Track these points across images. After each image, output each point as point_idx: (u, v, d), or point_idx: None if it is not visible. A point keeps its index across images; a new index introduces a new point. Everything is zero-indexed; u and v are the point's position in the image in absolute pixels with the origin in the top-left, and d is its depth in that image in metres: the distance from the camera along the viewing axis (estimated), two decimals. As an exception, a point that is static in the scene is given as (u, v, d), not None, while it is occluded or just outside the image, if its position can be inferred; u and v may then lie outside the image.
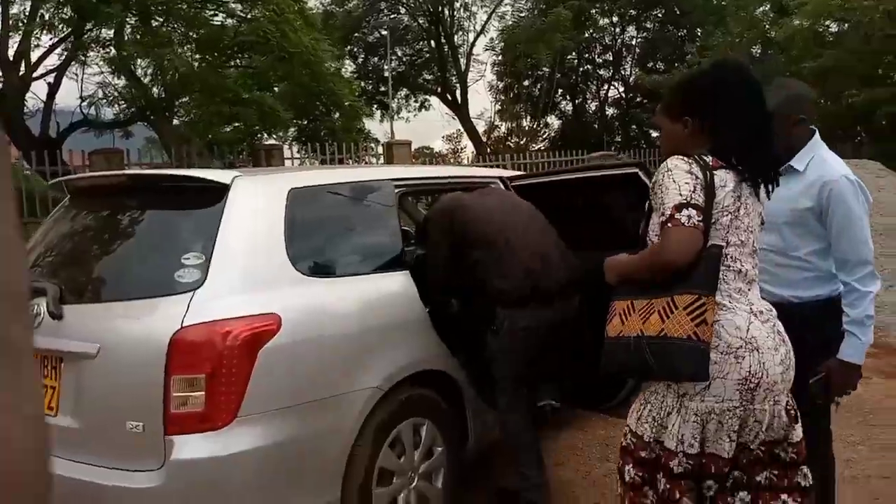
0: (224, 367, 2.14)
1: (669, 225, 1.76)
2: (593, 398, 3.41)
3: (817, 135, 2.43)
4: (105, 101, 14.42)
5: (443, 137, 32.60)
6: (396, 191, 2.99)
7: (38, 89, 20.01)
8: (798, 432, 1.91)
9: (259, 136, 15.67)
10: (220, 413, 2.14)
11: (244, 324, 2.20)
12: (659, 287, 1.81)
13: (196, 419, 2.14)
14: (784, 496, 1.87)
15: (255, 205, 2.43)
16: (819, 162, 2.36)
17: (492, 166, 12.15)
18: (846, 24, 15.60)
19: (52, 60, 12.90)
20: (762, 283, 2.19)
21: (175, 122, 14.21)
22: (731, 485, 1.84)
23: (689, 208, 1.75)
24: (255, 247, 2.38)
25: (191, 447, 2.14)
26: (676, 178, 1.81)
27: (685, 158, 1.85)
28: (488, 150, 20.57)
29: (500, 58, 22.91)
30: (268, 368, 2.22)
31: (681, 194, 1.78)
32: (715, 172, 1.85)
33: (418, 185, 3.29)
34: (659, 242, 1.82)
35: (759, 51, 19.29)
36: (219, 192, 2.39)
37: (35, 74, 12.58)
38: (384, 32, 22.62)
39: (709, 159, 1.88)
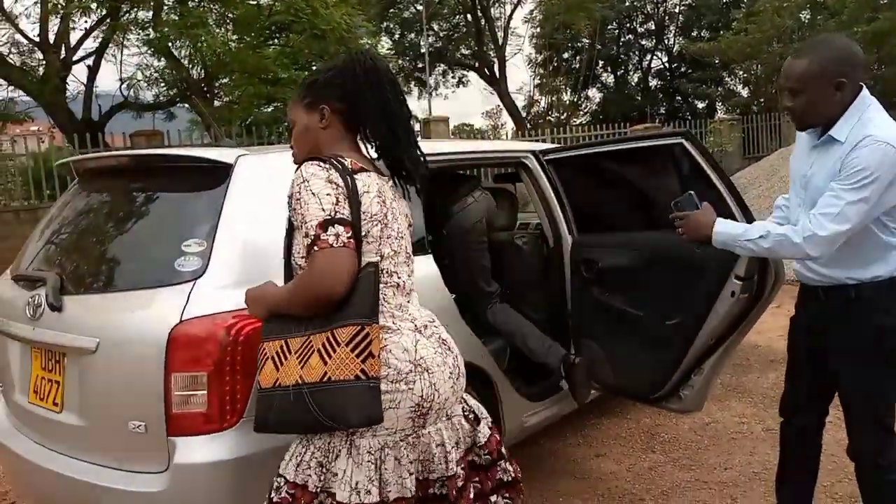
0: (228, 364, 1.96)
1: (316, 249, 1.55)
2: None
3: (864, 93, 2.06)
4: (145, 82, 14.56)
5: (482, 114, 32.19)
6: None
7: (79, 73, 20.31)
8: (484, 432, 1.86)
9: (299, 116, 15.60)
10: (225, 413, 1.98)
11: (249, 317, 2.02)
12: (315, 321, 1.59)
13: (199, 420, 1.98)
14: (493, 498, 1.84)
15: (261, 186, 2.22)
16: (863, 124, 2.01)
17: (533, 142, 11.81)
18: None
19: (91, 44, 13.03)
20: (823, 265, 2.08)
21: (216, 103, 14.24)
22: None
23: (336, 225, 1.55)
24: (259, 232, 2.17)
25: (195, 449, 1.98)
26: (316, 190, 1.58)
27: (321, 163, 1.62)
28: (528, 125, 20.15)
29: (538, 30, 22.35)
30: (276, 364, 2.04)
31: (323, 209, 1.56)
32: (356, 177, 1.64)
33: (444, 161, 3.05)
34: (307, 271, 1.59)
35: (808, 15, 18.34)
36: (222, 173, 2.19)
37: (75, 58, 12.71)
38: (420, 7, 22.25)
39: (347, 161, 1.66)
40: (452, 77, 25.53)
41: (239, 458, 1.99)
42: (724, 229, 2.18)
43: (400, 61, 21.40)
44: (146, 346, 2.00)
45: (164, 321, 1.98)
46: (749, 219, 2.45)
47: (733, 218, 2.42)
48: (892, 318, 2.10)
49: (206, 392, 1.96)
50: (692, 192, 2.33)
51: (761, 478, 3.12)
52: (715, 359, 2.85)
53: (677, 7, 24.52)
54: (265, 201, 2.21)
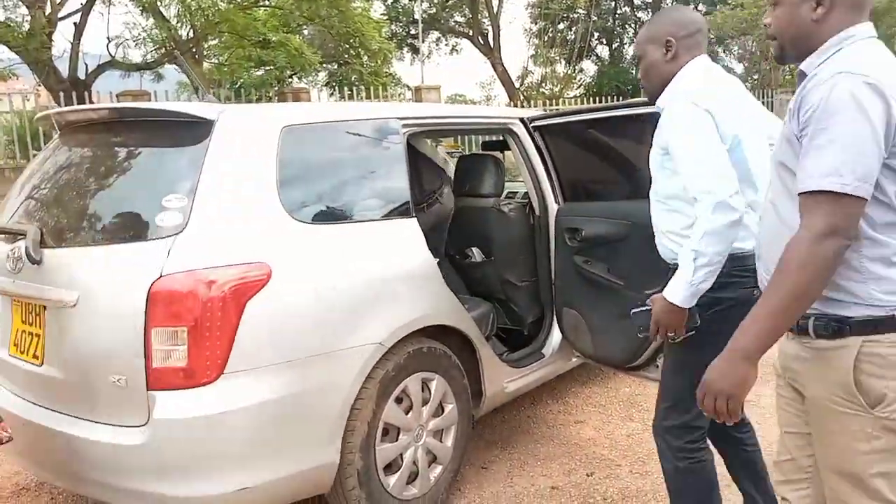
0: (208, 320, 1.97)
1: None
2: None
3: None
4: (132, 42, 14.31)
5: (476, 84, 31.90)
6: (404, 130, 2.73)
7: (66, 30, 19.93)
8: None
9: (289, 80, 15.46)
10: (205, 368, 1.99)
11: (230, 273, 2.02)
12: None
13: (179, 374, 1.99)
14: None
15: (243, 142, 2.20)
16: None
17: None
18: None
19: (75, 4, 12.75)
20: None
21: (205, 65, 14.06)
22: None
23: None
24: (242, 189, 2.16)
25: (174, 404, 2.00)
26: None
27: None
28: (521, 97, 20.01)
29: (534, -1, 22.10)
30: (257, 321, 2.06)
31: None
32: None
33: (429, 125, 3.03)
34: None
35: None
36: (204, 128, 2.17)
37: (61, 14, 12.44)
38: (415, -28, 21.91)
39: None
40: (446, 45, 25.26)
41: (218, 413, 2.01)
42: (673, 289, 1.87)
43: (392, 27, 21.11)
44: (127, 300, 2.00)
45: (145, 275, 1.98)
46: None
47: None
48: None
49: (186, 347, 1.97)
50: (639, 308, 2.08)
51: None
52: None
53: (674, -21, 24.31)
54: (247, 157, 2.19)
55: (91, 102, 10.55)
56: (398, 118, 2.74)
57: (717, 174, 1.81)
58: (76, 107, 2.63)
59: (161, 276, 1.97)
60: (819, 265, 1.35)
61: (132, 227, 2.18)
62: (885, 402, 1.39)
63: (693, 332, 1.94)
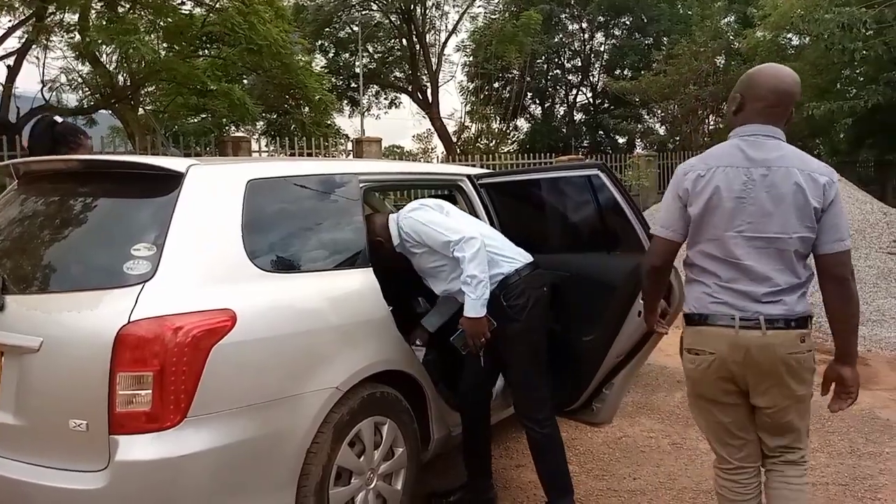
0: (173, 365, 2.04)
1: None
2: None
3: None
4: (68, 86, 14.07)
5: (413, 137, 32.50)
6: (361, 185, 2.91)
7: (-3, 73, 19.39)
8: None
9: (227, 127, 15.43)
10: (169, 413, 2.05)
11: (196, 319, 2.11)
12: None
13: (143, 419, 2.04)
14: None
15: (211, 195, 2.32)
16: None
17: (463, 166, 12.10)
18: (807, 38, 15.91)
19: (12, 43, 12.52)
20: None
21: (140, 111, 13.90)
22: None
23: None
24: (209, 239, 2.27)
25: (137, 448, 2.04)
26: None
27: None
28: (458, 150, 20.53)
29: (470, 59, 22.90)
30: (221, 367, 2.14)
31: None
32: None
33: (384, 181, 3.21)
34: None
35: (722, 61, 19.61)
36: (173, 181, 2.28)
37: (-7, 56, 12.19)
38: (355, 28, 22.43)
39: None
40: (385, 98, 25.77)
41: (180, 456, 2.06)
42: (468, 308, 2.74)
43: (333, 80, 21.43)
44: (93, 345, 2.05)
45: (113, 321, 2.04)
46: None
47: (637, 237, 2.89)
48: None
49: (151, 391, 2.03)
50: (454, 335, 2.87)
51: (666, 487, 3.38)
52: (624, 374, 3.11)
53: (603, 46, 25.66)
54: (214, 209, 2.30)
55: (21, 147, 10.29)
56: (355, 174, 2.91)
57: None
58: (43, 158, 2.69)
59: (129, 322, 2.04)
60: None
61: (99, 275, 2.24)
62: None
63: (496, 327, 2.82)
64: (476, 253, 2.72)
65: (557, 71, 26.06)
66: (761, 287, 2.13)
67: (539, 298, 2.91)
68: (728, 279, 2.17)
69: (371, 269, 2.78)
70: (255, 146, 12.90)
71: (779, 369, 2.14)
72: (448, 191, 3.71)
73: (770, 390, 2.18)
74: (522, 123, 26.20)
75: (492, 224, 3.51)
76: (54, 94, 13.71)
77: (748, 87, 2.21)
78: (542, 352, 2.94)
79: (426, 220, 2.90)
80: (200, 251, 2.24)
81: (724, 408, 2.28)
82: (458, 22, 23.17)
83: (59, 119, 3.39)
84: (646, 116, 24.01)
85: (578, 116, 26.56)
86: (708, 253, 2.21)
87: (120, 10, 11.96)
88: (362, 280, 2.73)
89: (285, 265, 2.53)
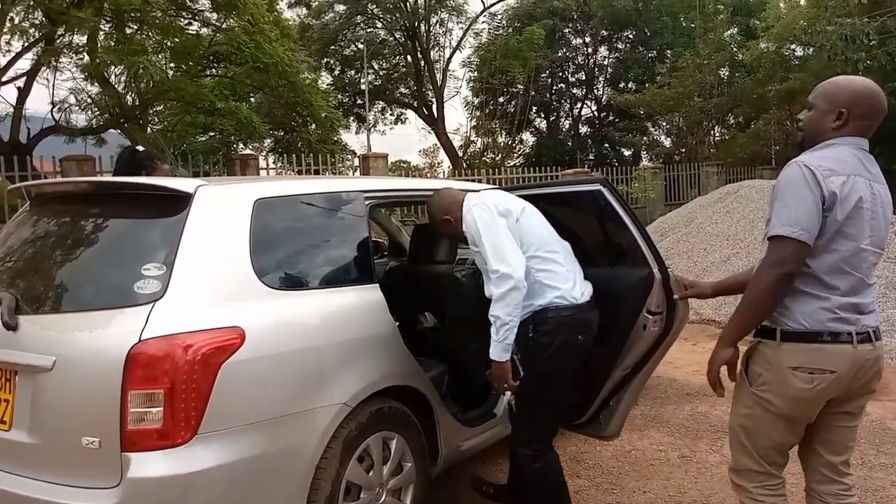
0: (184, 383, 2.07)
1: None
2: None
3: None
4: (77, 107, 14.27)
5: (419, 152, 32.66)
6: (367, 202, 2.94)
7: (8, 94, 19.67)
8: None
9: (235, 145, 15.58)
10: (180, 430, 2.08)
11: (205, 337, 2.14)
12: None
13: (154, 436, 2.07)
14: None
15: (219, 215, 2.37)
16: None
17: (468, 181, 12.17)
18: (810, 49, 15.96)
19: (23, 65, 12.71)
20: None
21: (149, 130, 14.05)
22: None
23: None
24: (218, 258, 2.31)
25: (148, 465, 2.07)
26: None
27: None
28: (464, 165, 20.63)
29: (475, 74, 23.06)
30: (230, 384, 2.16)
31: None
32: None
33: (390, 197, 3.25)
34: None
35: (726, 73, 19.69)
36: (182, 202, 2.32)
37: (4, 78, 12.36)
38: (361, 46, 22.64)
39: None
40: (391, 114, 25.96)
41: (191, 472, 2.09)
42: (494, 350, 2.58)
43: (339, 97, 21.62)
44: (105, 363, 2.09)
45: (125, 340, 2.08)
46: (655, 254, 2.84)
47: (641, 254, 2.86)
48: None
49: (162, 409, 2.06)
50: (488, 371, 2.70)
51: (676, 500, 3.37)
52: (630, 388, 3.12)
53: (606, 60, 25.79)
54: (222, 228, 2.34)
55: (33, 167, 10.43)
56: (361, 191, 2.95)
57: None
58: (54, 180, 2.75)
59: (140, 341, 2.07)
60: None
61: (111, 294, 2.28)
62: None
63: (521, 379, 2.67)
64: (504, 294, 2.49)
65: (562, 85, 26.22)
66: (865, 298, 2.14)
67: (569, 344, 2.66)
68: (846, 292, 2.09)
69: (377, 285, 2.80)
70: (262, 163, 13.02)
71: (875, 379, 2.21)
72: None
73: (864, 399, 2.24)
74: (528, 137, 26.38)
75: None
76: (64, 114, 13.88)
77: (855, 105, 2.13)
78: (555, 398, 2.76)
79: (482, 224, 2.63)
80: (209, 270, 2.28)
81: (802, 428, 2.23)
82: (461, 38, 23.39)
83: (140, 148, 3.81)
84: (651, 129, 24.09)
85: (584, 129, 26.67)
86: (834, 264, 2.08)
87: (128, 31, 12.16)
88: (369, 296, 2.76)
89: (293, 282, 2.57)
